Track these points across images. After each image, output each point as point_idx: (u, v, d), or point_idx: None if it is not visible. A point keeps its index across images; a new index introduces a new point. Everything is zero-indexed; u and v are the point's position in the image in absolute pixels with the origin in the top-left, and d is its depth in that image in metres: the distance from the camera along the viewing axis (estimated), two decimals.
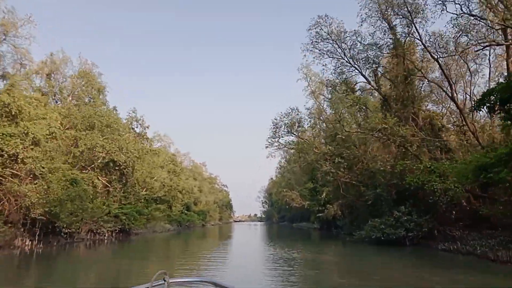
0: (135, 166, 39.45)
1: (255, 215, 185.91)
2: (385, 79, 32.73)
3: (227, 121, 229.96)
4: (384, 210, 24.81)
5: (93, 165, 41.89)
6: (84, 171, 39.60)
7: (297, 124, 33.60)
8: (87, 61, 49.42)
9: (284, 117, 33.25)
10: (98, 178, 41.51)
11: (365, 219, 30.26)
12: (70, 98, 46.10)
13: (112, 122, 38.85)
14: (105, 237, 30.91)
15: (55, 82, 46.40)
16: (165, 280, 1.55)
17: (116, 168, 40.25)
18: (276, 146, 33.85)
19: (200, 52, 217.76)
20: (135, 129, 43.81)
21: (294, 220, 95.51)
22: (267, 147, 33.92)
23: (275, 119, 33.31)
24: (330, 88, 31.33)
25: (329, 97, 36.55)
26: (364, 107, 27.78)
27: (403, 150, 25.40)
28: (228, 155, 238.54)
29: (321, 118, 43.74)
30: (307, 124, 35.51)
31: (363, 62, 32.01)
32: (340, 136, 29.67)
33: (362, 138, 29.39)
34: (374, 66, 32.12)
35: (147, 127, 43.60)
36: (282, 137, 34.02)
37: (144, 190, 55.86)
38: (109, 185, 42.09)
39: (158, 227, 46.40)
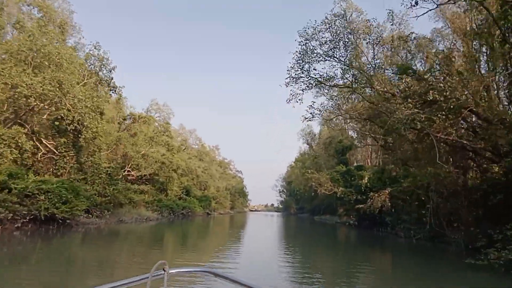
0: (85, 121, 25.00)
1: (272, 205, 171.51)
2: None
3: (245, 108, 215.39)
4: None
5: (34, 122, 28.15)
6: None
7: (343, 45, 18.17)
8: None
9: (321, 29, 17.86)
10: (39, 140, 27.67)
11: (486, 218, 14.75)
12: (13, 31, 32.17)
13: (51, 52, 24.46)
14: None
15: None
16: (164, 270, 1.42)
17: (57, 125, 26.04)
18: (304, 81, 18.51)
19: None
20: (99, 73, 29.18)
21: (315, 212, 79.97)
22: (288, 84, 18.63)
23: (305, 32, 17.94)
24: None
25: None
26: None
27: None
28: (245, 141, 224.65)
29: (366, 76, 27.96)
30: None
31: None
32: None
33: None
34: None
35: (113, 69, 29.07)
36: (315, 68, 18.69)
37: (128, 166, 42.25)
38: (55, 151, 28.07)
39: (133, 214, 32.15)
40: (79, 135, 25.36)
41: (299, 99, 18.69)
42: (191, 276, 8.01)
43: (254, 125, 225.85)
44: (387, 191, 32.39)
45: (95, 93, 25.76)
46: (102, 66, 28.66)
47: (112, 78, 29.09)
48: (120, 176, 41.45)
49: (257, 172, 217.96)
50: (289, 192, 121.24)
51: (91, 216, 25.49)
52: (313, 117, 19.02)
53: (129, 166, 42.10)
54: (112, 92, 29.87)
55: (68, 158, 27.77)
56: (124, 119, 44.97)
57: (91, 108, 25.40)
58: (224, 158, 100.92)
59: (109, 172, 28.42)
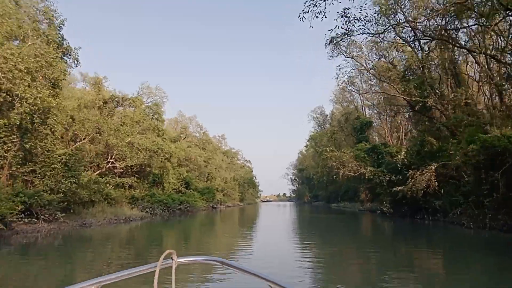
0: (16, 91, 17.61)
1: (284, 194, 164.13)
2: None
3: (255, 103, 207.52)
4: None
5: None
6: None
7: None
8: None
9: None
10: None
11: None
12: None
13: None
14: None
15: None
16: (172, 259, 1.37)
17: None
18: None
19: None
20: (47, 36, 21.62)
21: (331, 199, 72.31)
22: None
23: None
24: None
25: None
26: None
27: None
28: (250, 135, 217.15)
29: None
30: None
31: None
32: None
33: None
34: None
35: (63, 24, 21.33)
36: None
37: (111, 157, 35.16)
38: None
39: (108, 214, 24.95)
40: (10, 110, 17.98)
41: (319, 12, 10.87)
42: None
43: (257, 120, 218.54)
44: (433, 167, 24.58)
45: (32, 52, 18.25)
46: (49, 21, 21.10)
47: (63, 37, 21.58)
48: (104, 169, 34.59)
49: (265, 165, 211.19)
50: (301, 180, 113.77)
51: (36, 220, 18.29)
52: (347, 34, 11.15)
53: (113, 156, 35.02)
54: (67, 57, 22.38)
55: (10, 144, 20.54)
56: (105, 103, 37.69)
57: (27, 72, 18.01)
58: (232, 148, 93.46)
59: (64, 161, 21.03)
